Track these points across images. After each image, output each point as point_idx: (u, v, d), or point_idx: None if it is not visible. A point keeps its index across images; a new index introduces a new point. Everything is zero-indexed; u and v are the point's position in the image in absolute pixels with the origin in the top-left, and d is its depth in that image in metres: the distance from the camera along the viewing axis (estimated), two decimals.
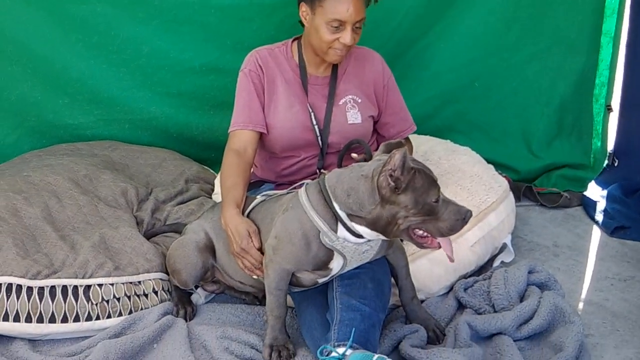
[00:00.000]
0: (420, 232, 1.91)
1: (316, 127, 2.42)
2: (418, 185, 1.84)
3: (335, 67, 2.47)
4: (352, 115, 2.46)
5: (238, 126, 2.40)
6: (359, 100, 2.48)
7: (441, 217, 1.87)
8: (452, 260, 1.95)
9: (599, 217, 3.16)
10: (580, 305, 2.48)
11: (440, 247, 1.94)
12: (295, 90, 2.44)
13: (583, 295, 2.56)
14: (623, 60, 3.32)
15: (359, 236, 1.93)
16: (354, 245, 1.95)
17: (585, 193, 3.37)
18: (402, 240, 2.18)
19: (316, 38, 2.31)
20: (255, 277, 2.18)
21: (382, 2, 3.03)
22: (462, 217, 1.89)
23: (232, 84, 2.48)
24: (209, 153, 3.37)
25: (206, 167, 3.33)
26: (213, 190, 3.08)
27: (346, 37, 2.27)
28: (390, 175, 1.81)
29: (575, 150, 3.49)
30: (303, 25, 2.41)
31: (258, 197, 2.24)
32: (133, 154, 3.15)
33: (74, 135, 3.22)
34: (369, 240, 1.96)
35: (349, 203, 1.90)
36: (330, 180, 1.96)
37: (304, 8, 2.33)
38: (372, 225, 1.89)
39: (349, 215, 1.90)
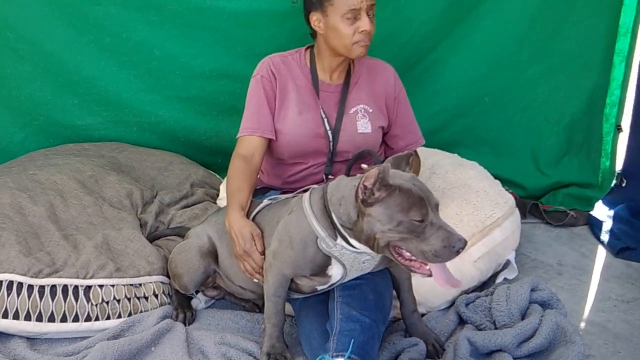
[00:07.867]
0: (408, 254, 1.84)
1: (329, 132, 2.42)
2: (395, 202, 1.78)
3: (347, 76, 2.47)
4: (362, 124, 2.46)
5: (246, 132, 2.40)
6: (370, 110, 2.47)
7: (426, 240, 1.78)
8: (451, 286, 1.85)
9: (605, 237, 3.14)
10: (582, 325, 2.46)
11: (431, 274, 1.84)
12: (307, 97, 2.44)
13: (585, 316, 2.54)
14: (635, 80, 3.29)
15: (354, 246, 1.92)
16: (352, 253, 1.94)
17: (591, 212, 3.35)
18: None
19: (337, 38, 2.31)
20: (255, 280, 2.17)
21: (394, 15, 3.06)
22: (451, 245, 1.76)
23: (242, 90, 2.48)
24: (215, 158, 3.38)
25: (212, 172, 3.33)
26: (218, 195, 3.09)
27: (364, 23, 2.28)
28: (365, 187, 1.79)
29: (583, 169, 3.47)
30: (314, 37, 2.43)
31: (265, 200, 2.24)
32: (140, 157, 3.16)
33: (82, 136, 3.23)
34: None
35: (339, 212, 1.89)
36: (331, 187, 1.95)
37: (315, 17, 2.34)
38: (357, 237, 1.87)
39: (342, 225, 1.90)
